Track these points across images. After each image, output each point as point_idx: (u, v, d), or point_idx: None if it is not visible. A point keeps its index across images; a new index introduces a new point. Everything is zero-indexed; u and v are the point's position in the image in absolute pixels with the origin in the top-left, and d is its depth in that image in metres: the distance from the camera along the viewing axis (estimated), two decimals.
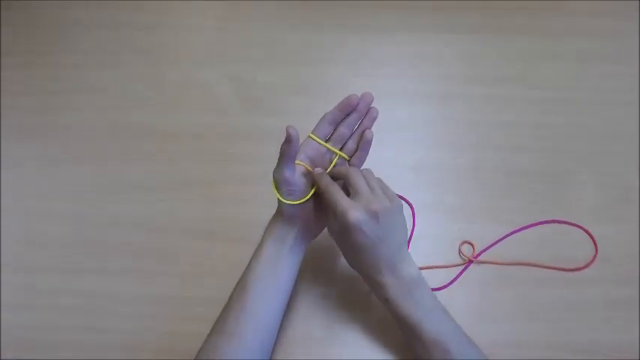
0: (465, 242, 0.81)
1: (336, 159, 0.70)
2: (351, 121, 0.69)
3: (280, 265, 0.68)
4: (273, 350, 0.70)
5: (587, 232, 0.82)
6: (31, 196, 0.87)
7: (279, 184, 0.65)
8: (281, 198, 0.66)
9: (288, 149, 0.63)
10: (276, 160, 0.65)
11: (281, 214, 0.68)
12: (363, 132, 0.70)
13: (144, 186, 0.87)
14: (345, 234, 0.64)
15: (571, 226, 0.83)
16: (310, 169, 0.68)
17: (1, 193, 0.87)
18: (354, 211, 0.62)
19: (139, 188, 0.87)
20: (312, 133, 0.69)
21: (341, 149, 0.70)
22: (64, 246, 0.83)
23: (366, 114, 0.70)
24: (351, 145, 0.71)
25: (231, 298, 0.67)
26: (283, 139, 0.63)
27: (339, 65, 0.99)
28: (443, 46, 1.01)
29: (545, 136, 0.91)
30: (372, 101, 0.68)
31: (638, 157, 0.89)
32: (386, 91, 0.94)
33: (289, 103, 0.95)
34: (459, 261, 0.80)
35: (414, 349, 0.67)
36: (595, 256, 0.80)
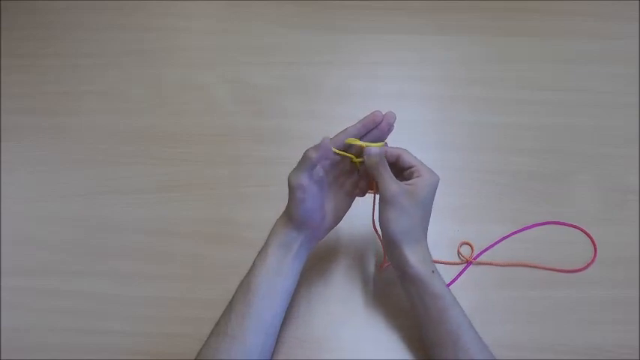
0: (464, 243, 0.81)
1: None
2: (371, 139, 0.68)
3: (285, 270, 0.68)
4: (273, 351, 0.70)
5: (586, 233, 0.82)
6: (30, 198, 0.87)
7: (293, 188, 0.65)
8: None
9: (316, 157, 0.63)
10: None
11: (290, 219, 0.68)
12: None
13: (144, 188, 0.88)
14: (430, 193, 0.67)
15: (570, 227, 0.83)
16: (346, 153, 0.67)
17: (1, 195, 0.88)
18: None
19: (139, 190, 0.87)
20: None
21: None
22: (63, 248, 0.83)
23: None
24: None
25: (233, 300, 0.67)
26: (307, 145, 0.64)
27: (339, 67, 0.99)
28: (443, 48, 1.01)
29: (544, 138, 0.91)
30: (394, 121, 0.68)
31: (638, 159, 0.89)
32: (385, 92, 0.96)
33: (289, 105, 0.95)
34: (457, 262, 0.80)
35: (435, 334, 0.67)
36: (594, 257, 0.80)
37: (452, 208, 0.85)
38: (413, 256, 0.66)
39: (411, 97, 0.96)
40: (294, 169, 0.65)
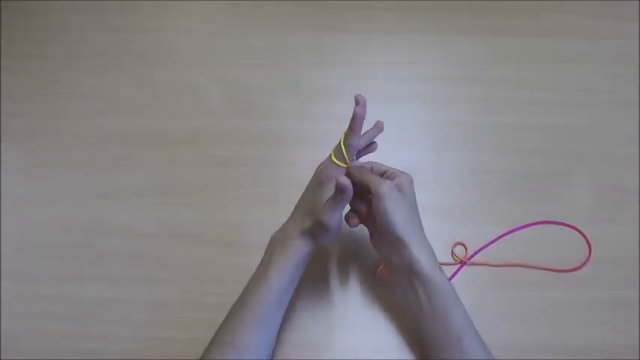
0: (458, 243, 0.81)
1: None
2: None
3: (297, 280, 0.70)
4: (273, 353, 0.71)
5: (580, 231, 0.82)
6: (25, 202, 0.88)
7: (331, 228, 0.66)
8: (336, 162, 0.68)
9: (347, 196, 0.63)
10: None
11: (316, 243, 0.68)
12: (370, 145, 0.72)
13: (140, 191, 0.88)
14: (413, 190, 0.70)
15: (566, 227, 0.83)
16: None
17: (0, 197, 0.88)
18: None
19: (135, 193, 0.87)
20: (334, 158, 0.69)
21: None
22: (60, 252, 0.83)
23: (373, 128, 0.72)
24: None
25: (243, 308, 0.67)
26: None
27: (332, 67, 0.99)
28: (442, 48, 1.01)
29: (543, 138, 0.91)
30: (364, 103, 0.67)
31: (637, 159, 0.89)
32: (381, 92, 0.95)
33: (283, 106, 0.95)
34: (451, 262, 0.80)
35: (438, 334, 0.67)
36: (589, 256, 0.80)
37: (448, 208, 0.85)
38: (420, 252, 0.67)
39: (409, 97, 0.96)
40: (328, 208, 0.65)
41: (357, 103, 0.65)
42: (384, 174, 0.71)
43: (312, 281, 0.79)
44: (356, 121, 0.66)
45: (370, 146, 0.72)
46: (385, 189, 0.66)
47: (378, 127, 0.71)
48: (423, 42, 1.02)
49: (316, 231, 0.67)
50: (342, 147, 0.67)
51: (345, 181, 0.61)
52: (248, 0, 1.06)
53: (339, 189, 0.62)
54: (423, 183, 0.80)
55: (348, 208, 0.70)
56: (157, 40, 1.03)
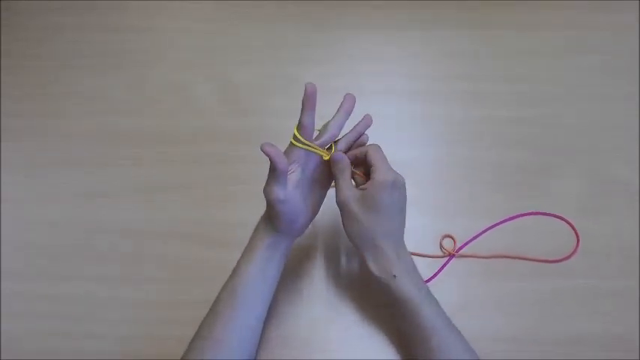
0: (446, 236, 0.81)
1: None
2: (340, 121, 0.68)
3: (270, 272, 0.69)
4: (257, 351, 0.71)
5: (567, 222, 0.82)
6: (25, 202, 0.88)
7: (271, 203, 0.64)
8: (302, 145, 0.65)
9: (282, 165, 0.61)
10: (265, 161, 0.65)
11: (275, 228, 0.67)
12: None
13: (139, 190, 0.88)
14: (385, 195, 0.65)
15: (554, 218, 0.83)
16: (319, 149, 0.66)
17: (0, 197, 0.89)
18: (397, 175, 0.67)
19: (135, 193, 0.88)
20: (293, 139, 0.66)
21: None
22: (60, 252, 0.84)
23: (362, 120, 0.71)
24: (341, 146, 0.70)
25: (218, 302, 0.68)
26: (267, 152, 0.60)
27: (323, 64, 0.99)
28: (432, 43, 1.01)
29: (530, 131, 0.91)
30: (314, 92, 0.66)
31: (624, 151, 0.89)
32: (370, 89, 0.95)
33: (282, 105, 0.93)
34: (440, 255, 0.81)
35: (407, 334, 0.68)
36: (577, 246, 0.80)
37: (438, 202, 0.85)
38: (371, 261, 0.67)
39: (395, 92, 0.96)
40: (266, 182, 0.64)
41: (306, 89, 0.65)
42: (371, 168, 0.67)
43: (300, 275, 0.80)
44: (306, 99, 0.65)
45: (360, 139, 0.71)
46: (338, 202, 0.67)
47: (366, 121, 0.70)
48: (422, 40, 1.02)
49: (268, 212, 0.67)
50: (295, 130, 0.65)
51: (267, 148, 0.59)
52: (248, 0, 1.07)
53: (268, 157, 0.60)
54: (413, 178, 0.81)
55: None
56: (157, 40, 1.04)
